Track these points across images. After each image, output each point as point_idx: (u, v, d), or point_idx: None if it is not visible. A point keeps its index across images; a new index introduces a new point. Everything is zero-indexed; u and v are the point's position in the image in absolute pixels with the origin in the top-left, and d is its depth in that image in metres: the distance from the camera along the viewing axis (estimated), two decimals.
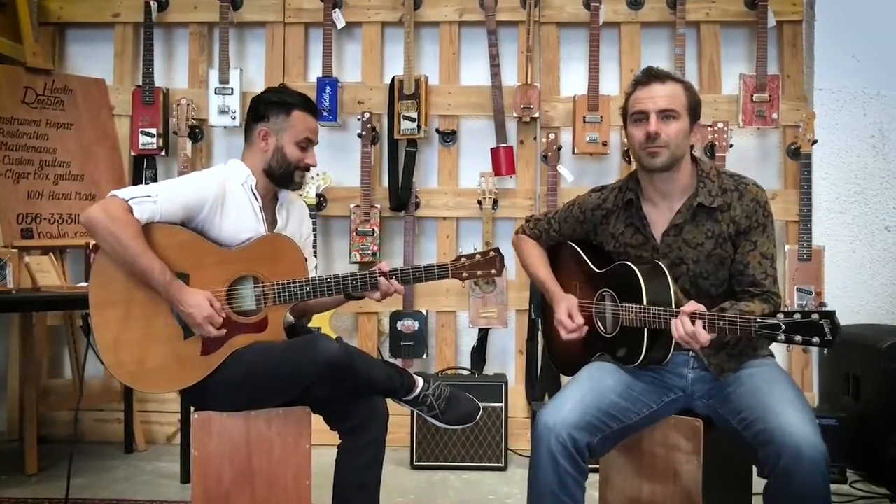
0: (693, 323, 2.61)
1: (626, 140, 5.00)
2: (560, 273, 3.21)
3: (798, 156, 4.98)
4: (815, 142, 4.90)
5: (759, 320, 2.49)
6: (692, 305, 2.65)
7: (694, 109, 2.90)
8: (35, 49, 5.07)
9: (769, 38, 5.12)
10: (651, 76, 2.88)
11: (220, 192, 3.01)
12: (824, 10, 5.17)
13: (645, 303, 2.77)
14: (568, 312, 3.03)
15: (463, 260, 3.13)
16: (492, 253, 3.16)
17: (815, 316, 2.39)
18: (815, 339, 2.38)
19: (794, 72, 5.23)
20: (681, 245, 2.91)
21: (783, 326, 2.43)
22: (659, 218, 2.96)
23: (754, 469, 3.02)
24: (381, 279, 3.05)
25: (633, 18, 5.28)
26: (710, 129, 4.94)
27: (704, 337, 2.60)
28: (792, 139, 5.09)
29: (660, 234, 2.94)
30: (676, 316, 2.65)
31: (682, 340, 2.64)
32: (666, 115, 2.82)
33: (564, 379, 4.59)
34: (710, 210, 2.89)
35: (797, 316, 2.42)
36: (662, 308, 2.72)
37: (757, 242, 2.87)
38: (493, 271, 3.16)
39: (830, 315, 2.38)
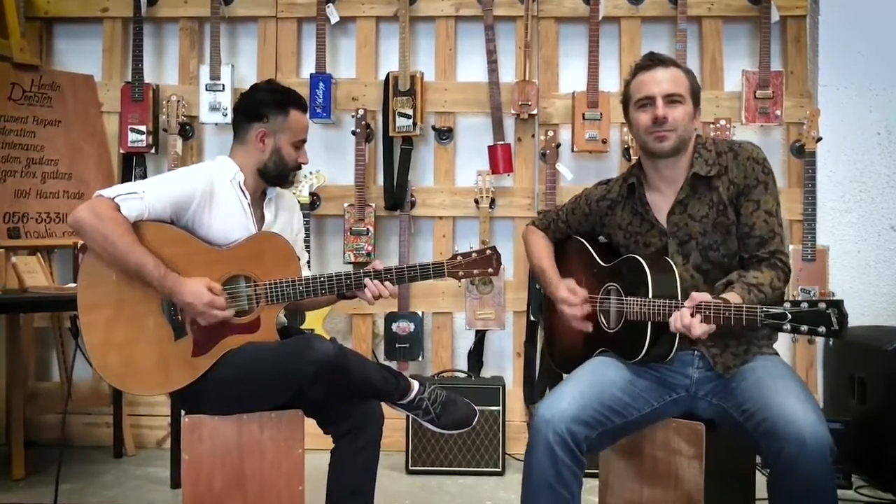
0: (692, 315, 2.62)
1: (626, 138, 5.05)
2: (566, 267, 3.22)
3: (802, 154, 4.98)
4: (819, 139, 4.90)
5: (764, 309, 2.49)
6: (695, 298, 2.65)
7: (696, 94, 2.93)
8: (22, 44, 5.06)
9: (772, 34, 5.13)
10: (654, 60, 2.91)
11: (209, 188, 3.01)
12: (829, 5, 5.19)
13: (650, 296, 2.77)
14: (569, 288, 3.06)
15: (459, 258, 3.15)
16: (488, 251, 3.16)
17: (822, 305, 2.39)
18: (822, 329, 2.38)
19: (798, 68, 5.24)
20: (686, 221, 2.92)
21: (789, 316, 2.43)
22: (662, 200, 2.98)
23: (757, 473, 3.04)
24: (367, 280, 3.06)
25: (633, 13, 5.29)
26: (712, 126, 4.95)
27: (697, 330, 2.60)
28: (796, 137, 5.10)
29: (665, 216, 2.96)
30: (678, 308, 2.66)
31: (677, 330, 2.66)
32: (672, 99, 2.85)
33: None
34: (708, 179, 2.91)
35: (804, 305, 2.42)
36: (667, 301, 2.73)
37: (759, 201, 2.87)
38: (490, 270, 3.17)
39: (838, 304, 2.38)
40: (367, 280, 3.06)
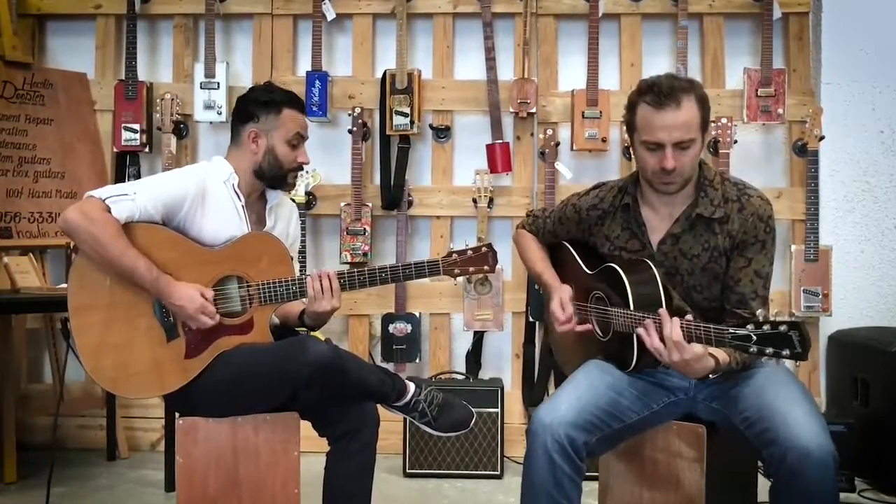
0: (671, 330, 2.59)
1: (626, 136, 5.03)
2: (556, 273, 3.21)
3: (804, 152, 4.98)
4: (822, 138, 4.90)
5: (731, 331, 2.46)
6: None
7: (706, 123, 2.80)
8: (14, 42, 5.06)
9: (774, 31, 5.12)
10: (663, 97, 2.71)
11: (200, 189, 3.01)
12: (831, 2, 5.17)
13: (632, 307, 2.75)
14: (560, 303, 3.02)
15: (454, 256, 3.13)
16: (484, 248, 3.16)
17: (783, 328, 2.38)
18: (785, 352, 2.37)
19: (801, 65, 5.23)
20: (676, 255, 2.89)
21: (754, 338, 2.42)
22: (658, 224, 2.94)
23: (759, 477, 3.04)
24: (308, 279, 3.05)
25: (633, 10, 5.28)
26: (713, 124, 4.93)
27: (676, 333, 2.56)
28: (798, 135, 5.10)
29: (656, 242, 2.92)
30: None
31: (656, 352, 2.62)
32: (682, 146, 2.74)
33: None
34: (709, 221, 2.85)
35: (766, 327, 2.40)
36: (648, 315, 2.68)
37: (752, 259, 2.84)
38: (486, 267, 3.16)
39: (798, 326, 2.36)
40: (308, 279, 3.05)
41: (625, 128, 2.97)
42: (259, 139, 3.13)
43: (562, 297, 3.03)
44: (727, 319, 2.80)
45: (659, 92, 2.72)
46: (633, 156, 3.01)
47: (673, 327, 2.57)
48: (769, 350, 2.40)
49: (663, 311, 2.63)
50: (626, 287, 2.78)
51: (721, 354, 2.63)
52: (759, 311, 2.62)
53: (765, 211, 2.85)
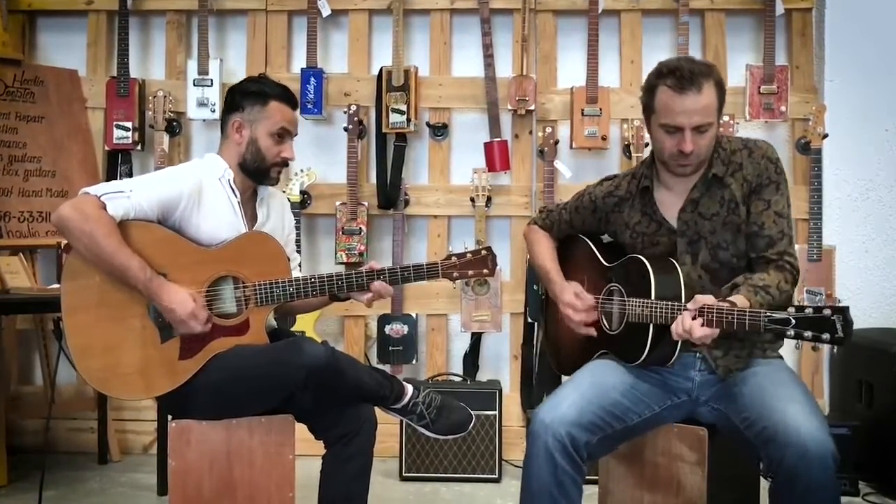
0: (693, 318, 2.60)
1: (626, 134, 5.04)
2: (568, 267, 3.22)
3: (808, 150, 4.98)
4: (825, 136, 4.90)
5: (768, 314, 2.47)
6: (698, 301, 2.63)
7: (722, 104, 2.86)
8: (4, 38, 5.06)
9: (777, 27, 5.12)
10: (685, 81, 2.75)
11: (196, 187, 3.00)
12: None
13: (653, 297, 2.77)
14: (575, 293, 3.05)
15: (453, 259, 3.15)
16: (483, 252, 3.17)
17: (827, 311, 2.38)
18: (826, 336, 2.37)
19: (804, 62, 5.24)
20: (697, 220, 2.91)
21: (793, 321, 2.42)
22: (675, 199, 2.96)
23: (762, 480, 3.04)
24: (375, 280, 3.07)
25: (633, 6, 5.29)
26: None
27: (698, 332, 2.58)
28: (801, 133, 5.09)
29: (675, 214, 2.94)
30: (681, 311, 2.65)
31: (678, 336, 2.63)
32: (701, 129, 2.77)
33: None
34: (722, 178, 2.89)
35: (808, 311, 2.40)
36: (669, 303, 2.71)
37: (770, 201, 2.88)
38: (485, 271, 3.18)
39: (843, 311, 2.36)
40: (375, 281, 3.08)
41: (643, 113, 2.97)
42: (243, 129, 3.12)
43: (576, 290, 3.07)
44: (757, 266, 2.84)
45: (681, 76, 2.76)
46: (651, 143, 3.01)
47: (693, 324, 2.59)
48: (808, 334, 2.40)
49: (691, 309, 2.64)
50: (650, 278, 2.80)
51: (741, 300, 2.62)
52: (787, 251, 2.80)
53: (772, 153, 2.93)
